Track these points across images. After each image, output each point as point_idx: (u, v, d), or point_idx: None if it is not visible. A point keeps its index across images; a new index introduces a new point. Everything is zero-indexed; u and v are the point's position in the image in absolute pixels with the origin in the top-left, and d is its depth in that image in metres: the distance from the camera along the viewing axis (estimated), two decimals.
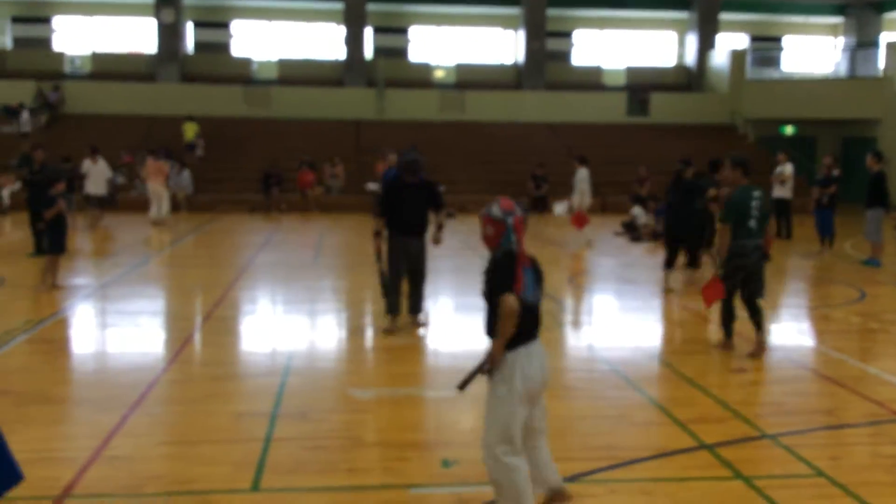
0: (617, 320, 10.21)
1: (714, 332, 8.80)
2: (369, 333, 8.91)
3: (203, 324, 9.24)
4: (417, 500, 4.65)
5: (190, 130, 26.10)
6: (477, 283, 4.48)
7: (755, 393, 7.07)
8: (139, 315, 9.67)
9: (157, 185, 19.72)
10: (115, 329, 9.16)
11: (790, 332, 9.38)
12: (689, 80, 33.29)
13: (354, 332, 9.07)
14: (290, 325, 9.35)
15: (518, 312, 4.04)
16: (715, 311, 8.65)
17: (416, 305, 8.90)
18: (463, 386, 4.20)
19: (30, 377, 7.08)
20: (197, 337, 8.65)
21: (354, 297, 11.20)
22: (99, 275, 12.62)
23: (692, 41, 32.99)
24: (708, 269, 11.63)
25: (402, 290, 8.75)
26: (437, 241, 8.90)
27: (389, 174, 9.94)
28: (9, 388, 6.66)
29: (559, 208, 17.13)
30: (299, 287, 11.58)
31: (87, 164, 19.43)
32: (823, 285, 12.83)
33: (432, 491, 4.74)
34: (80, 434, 5.67)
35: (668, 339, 9.23)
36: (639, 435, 5.85)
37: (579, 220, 16.65)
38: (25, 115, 26.19)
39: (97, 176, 19.31)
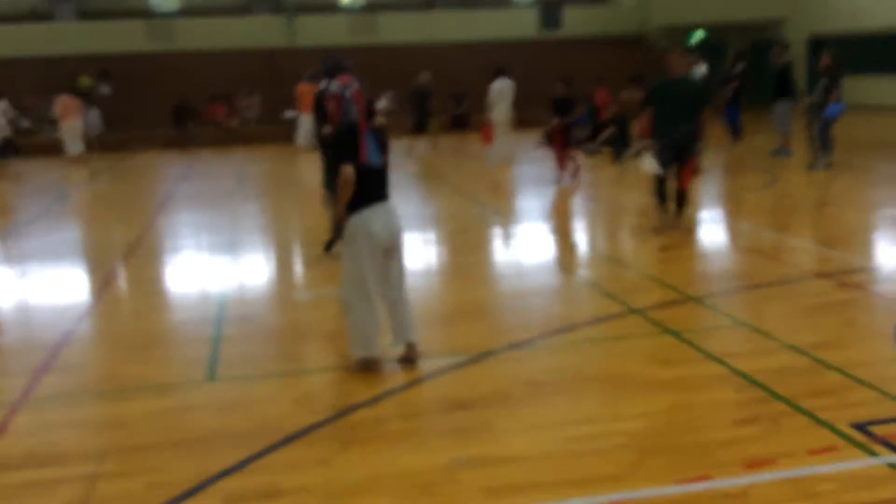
0: (544, 216, 10.50)
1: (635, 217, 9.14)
2: (299, 244, 8.98)
3: (132, 252, 9.15)
4: (372, 376, 4.84)
5: (86, 80, 24.98)
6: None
7: (679, 266, 7.45)
8: (67, 246, 9.54)
9: (73, 122, 18.97)
10: (47, 262, 9.02)
11: (708, 213, 9.82)
12: None
13: (286, 244, 9.12)
14: (222, 244, 9.30)
15: (353, 181, 4.48)
16: (631, 200, 8.96)
17: None
18: (328, 248, 4.59)
19: None
20: (128, 263, 8.59)
21: (282, 216, 11.20)
22: (17, 215, 12.29)
23: None
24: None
25: None
26: None
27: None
28: None
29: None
30: (226, 212, 11.49)
31: None
32: (735, 174, 13.32)
33: (385, 367, 4.94)
34: (28, 348, 5.66)
35: (596, 227, 9.56)
36: (572, 308, 6.17)
37: (487, 134, 16.44)
38: None
39: None
